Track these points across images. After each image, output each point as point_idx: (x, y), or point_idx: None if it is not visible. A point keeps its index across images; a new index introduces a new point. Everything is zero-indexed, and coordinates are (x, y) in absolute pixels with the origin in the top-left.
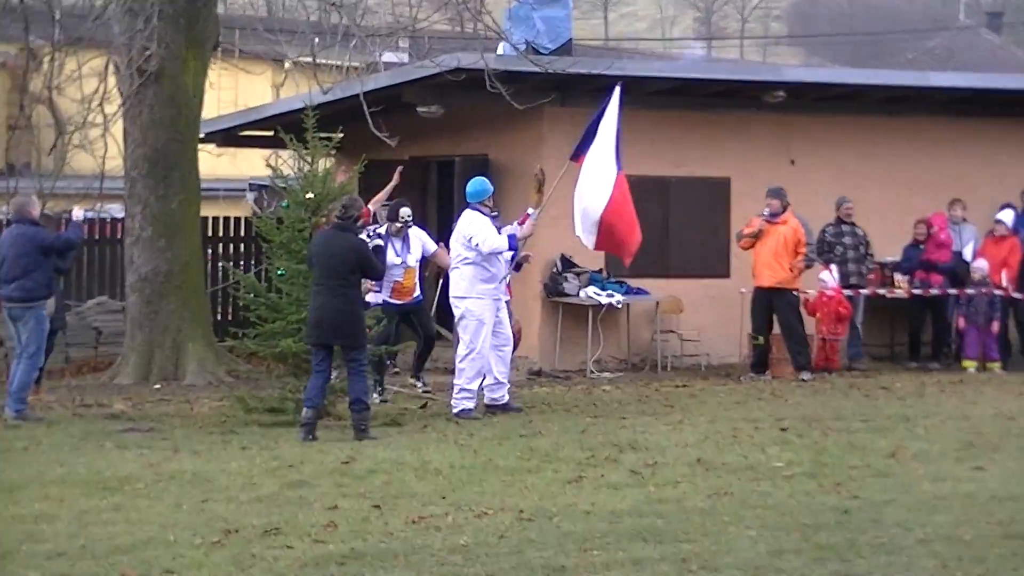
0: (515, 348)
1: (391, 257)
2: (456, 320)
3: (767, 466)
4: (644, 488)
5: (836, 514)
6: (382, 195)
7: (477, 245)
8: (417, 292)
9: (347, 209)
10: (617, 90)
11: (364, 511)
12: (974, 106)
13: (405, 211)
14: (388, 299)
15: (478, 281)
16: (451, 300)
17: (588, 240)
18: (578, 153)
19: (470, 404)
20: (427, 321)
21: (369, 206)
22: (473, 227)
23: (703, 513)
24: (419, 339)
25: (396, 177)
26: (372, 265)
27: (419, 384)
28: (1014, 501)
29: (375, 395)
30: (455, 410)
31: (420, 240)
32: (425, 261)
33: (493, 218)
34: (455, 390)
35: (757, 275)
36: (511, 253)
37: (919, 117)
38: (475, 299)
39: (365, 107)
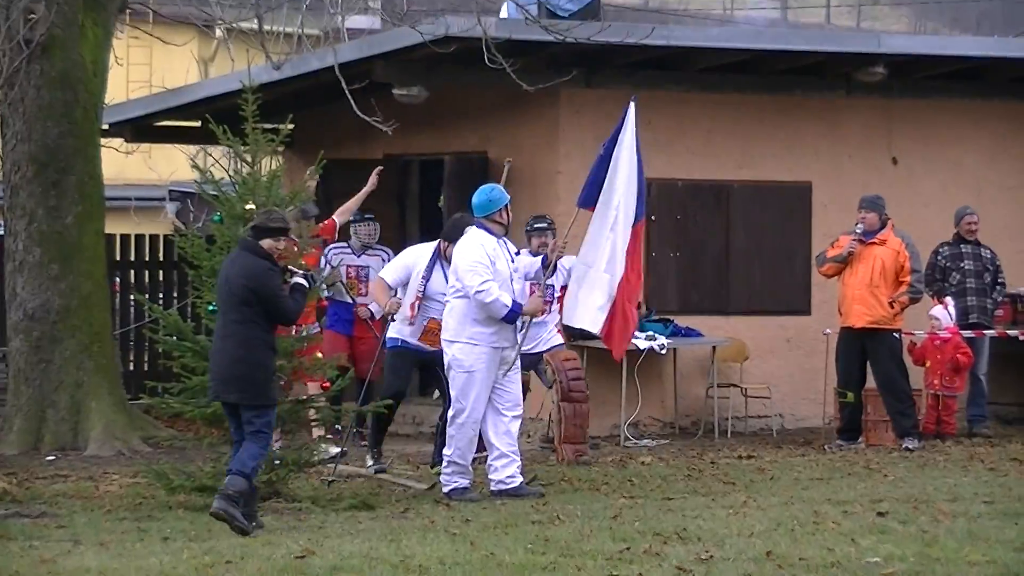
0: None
1: (437, 284)
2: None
3: (859, 562)
4: None
5: None
6: (352, 203)
7: (472, 290)
8: None
9: (261, 220)
10: (632, 107)
11: None
12: None
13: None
14: (407, 339)
15: (469, 321)
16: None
17: (594, 323)
18: (588, 198)
19: (464, 481)
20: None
21: (335, 217)
22: (465, 259)
23: None
24: (446, 399)
25: (373, 181)
26: (275, 303)
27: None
28: None
29: (369, 460)
30: (444, 489)
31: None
32: None
33: (502, 240)
34: (443, 464)
35: (846, 312)
36: (528, 273)
37: None
38: (464, 344)
39: (344, 83)
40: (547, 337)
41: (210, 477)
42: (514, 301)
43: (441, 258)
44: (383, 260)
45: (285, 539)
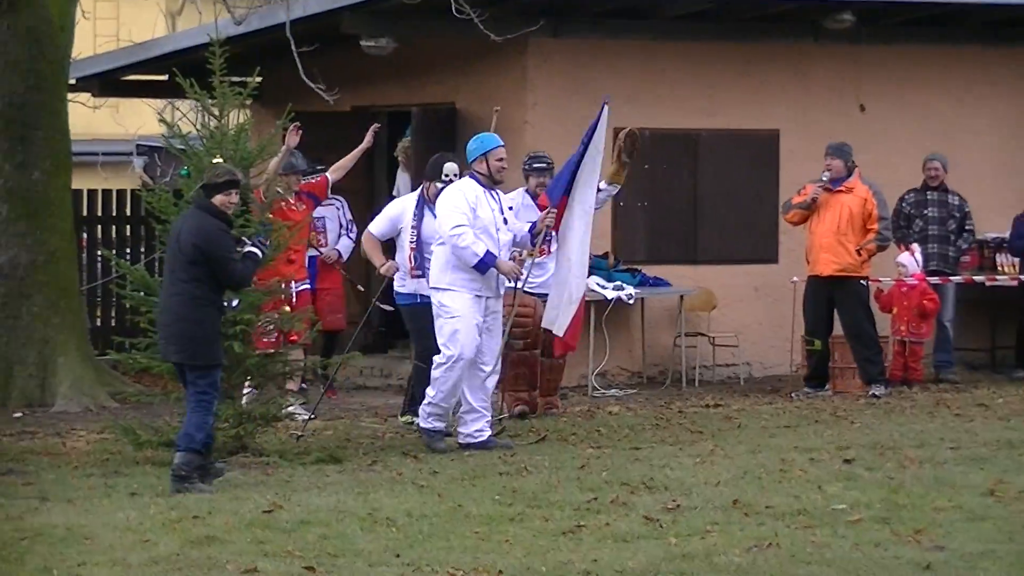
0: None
1: (430, 229)
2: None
3: (826, 509)
4: (663, 540)
5: (916, 570)
6: (348, 160)
7: (447, 233)
8: None
9: (209, 176)
10: (606, 109)
11: (293, 575)
12: None
13: (451, 167)
14: (421, 292)
15: (451, 268)
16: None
17: (560, 322)
18: (557, 189)
19: (440, 424)
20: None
21: (328, 174)
22: (443, 205)
23: (739, 572)
24: (416, 350)
25: (369, 137)
26: (223, 265)
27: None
28: None
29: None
30: (420, 424)
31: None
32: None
33: (491, 191)
34: (424, 403)
35: (814, 260)
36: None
37: None
38: (449, 291)
39: (293, 44)
40: (548, 280)
41: (177, 432)
42: (487, 252)
43: (427, 201)
44: (336, 209)
45: (252, 493)
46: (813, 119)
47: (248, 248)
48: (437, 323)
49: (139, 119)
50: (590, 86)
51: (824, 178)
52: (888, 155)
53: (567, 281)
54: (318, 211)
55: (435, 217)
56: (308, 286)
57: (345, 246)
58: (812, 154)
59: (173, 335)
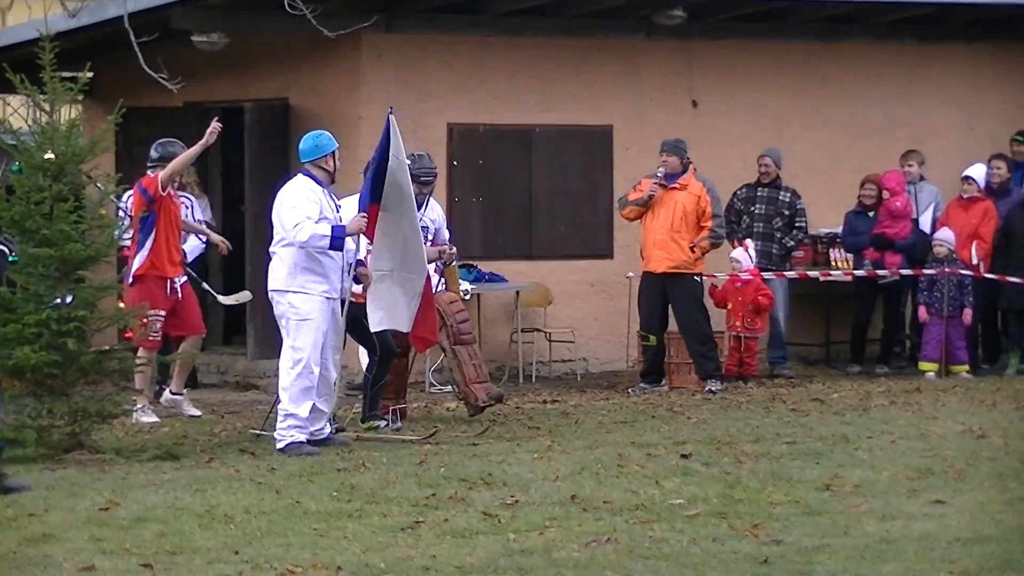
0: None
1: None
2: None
3: (664, 504)
4: (501, 535)
5: (753, 564)
6: (186, 157)
7: (289, 231)
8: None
9: None
10: (392, 118)
11: (131, 572)
12: (938, 27)
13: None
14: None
15: (300, 270)
16: (269, 294)
17: (407, 323)
18: (363, 198)
19: (301, 436)
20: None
21: (159, 174)
22: (287, 202)
23: (578, 567)
24: (371, 353)
25: (212, 130)
26: None
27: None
28: (982, 544)
29: (380, 423)
30: (280, 444)
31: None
32: None
33: (327, 189)
34: (279, 417)
35: (648, 256)
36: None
37: (864, 42)
38: (298, 294)
39: (132, 36)
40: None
41: (12, 429)
42: (335, 225)
43: None
44: (186, 207)
45: (89, 491)
46: (646, 115)
47: None
48: (282, 324)
49: None
50: (424, 81)
51: (659, 174)
52: (721, 150)
53: (406, 283)
54: None
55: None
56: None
57: (193, 247)
58: (646, 149)
59: None
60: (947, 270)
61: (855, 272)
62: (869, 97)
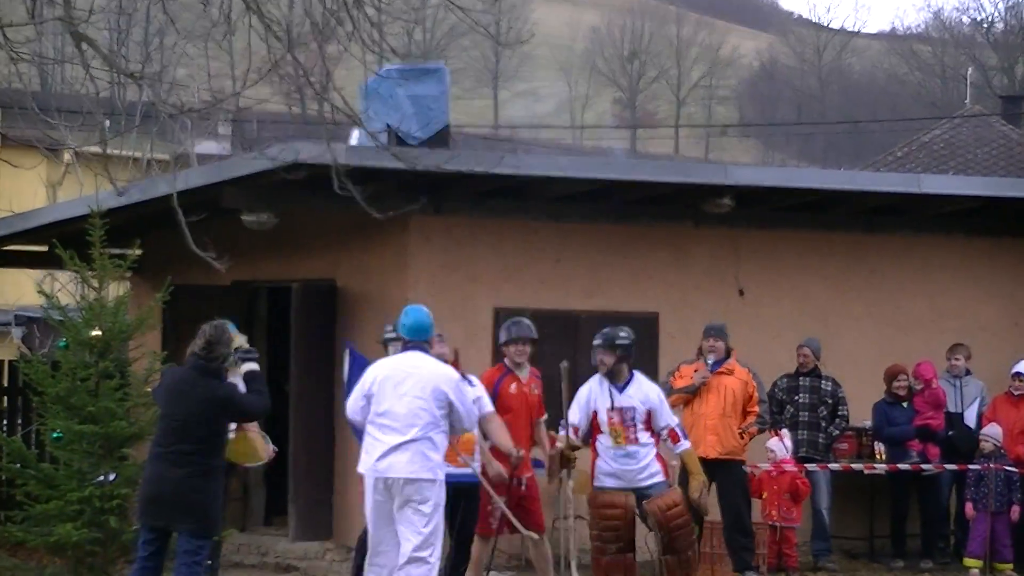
0: None
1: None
2: None
3: None
4: None
5: None
6: None
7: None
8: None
9: (212, 346)
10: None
11: None
12: (983, 219)
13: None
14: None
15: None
16: (414, 481)
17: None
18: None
19: None
20: (475, 510)
21: None
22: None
23: None
24: (452, 534)
25: None
26: (245, 408)
27: None
28: None
29: None
30: None
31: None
32: None
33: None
34: None
35: (698, 442)
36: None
37: (910, 233)
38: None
39: (181, 215)
40: (643, 474)
41: None
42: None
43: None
44: None
45: None
46: (693, 302)
47: (248, 366)
48: (428, 511)
49: (18, 289)
50: (471, 264)
51: (709, 360)
52: (766, 340)
53: None
54: None
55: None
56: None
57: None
58: (692, 336)
59: (185, 503)
60: (993, 466)
61: (900, 466)
62: (915, 289)
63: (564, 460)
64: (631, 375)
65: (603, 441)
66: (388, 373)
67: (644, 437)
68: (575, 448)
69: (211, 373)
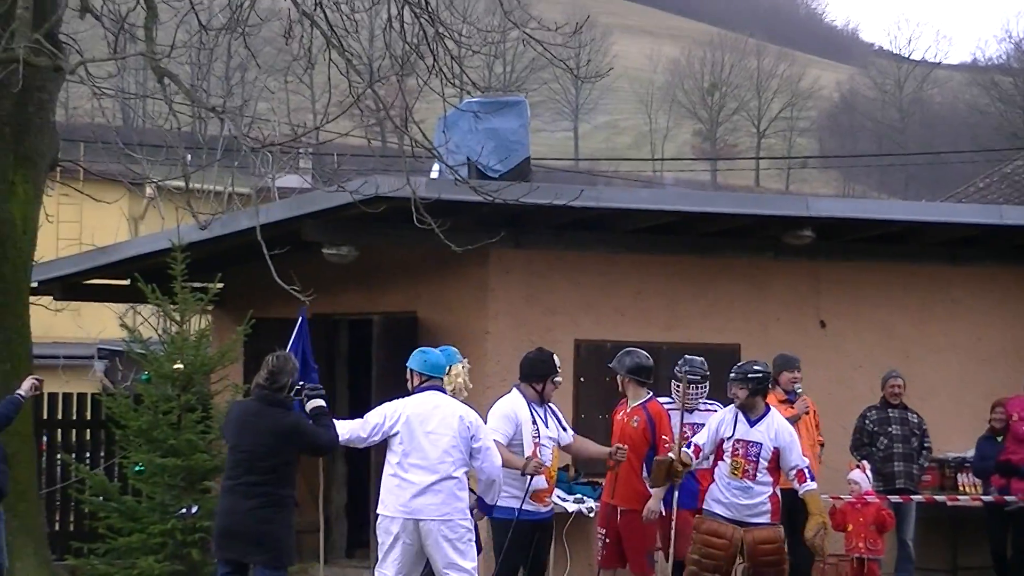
0: None
1: (533, 430)
2: None
3: None
4: None
5: None
6: None
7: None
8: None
9: (275, 375)
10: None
11: None
12: None
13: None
14: (526, 507)
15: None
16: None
17: None
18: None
19: None
20: (549, 546)
21: None
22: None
23: None
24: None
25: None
26: (312, 440)
27: None
28: None
29: None
30: None
31: (556, 416)
32: None
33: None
34: None
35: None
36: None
37: (992, 264)
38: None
39: (264, 248)
40: (751, 511)
41: None
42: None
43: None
44: None
45: None
46: (773, 334)
47: (315, 402)
48: (462, 546)
49: (101, 323)
50: (550, 297)
51: (798, 390)
52: (847, 372)
53: None
54: None
55: (541, 419)
56: None
57: None
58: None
59: (256, 536)
60: None
61: (982, 498)
62: (997, 320)
63: (670, 472)
64: (766, 410)
65: (722, 468)
66: (413, 412)
67: (763, 476)
68: (685, 464)
69: (276, 403)
